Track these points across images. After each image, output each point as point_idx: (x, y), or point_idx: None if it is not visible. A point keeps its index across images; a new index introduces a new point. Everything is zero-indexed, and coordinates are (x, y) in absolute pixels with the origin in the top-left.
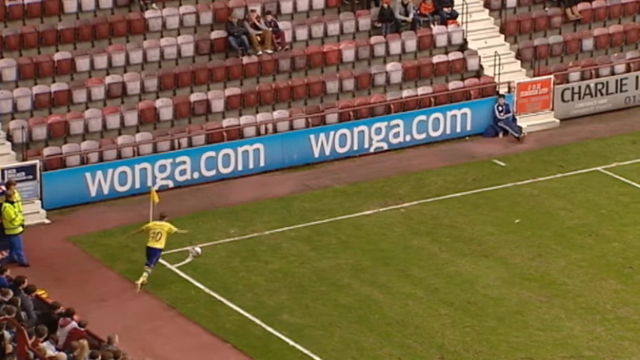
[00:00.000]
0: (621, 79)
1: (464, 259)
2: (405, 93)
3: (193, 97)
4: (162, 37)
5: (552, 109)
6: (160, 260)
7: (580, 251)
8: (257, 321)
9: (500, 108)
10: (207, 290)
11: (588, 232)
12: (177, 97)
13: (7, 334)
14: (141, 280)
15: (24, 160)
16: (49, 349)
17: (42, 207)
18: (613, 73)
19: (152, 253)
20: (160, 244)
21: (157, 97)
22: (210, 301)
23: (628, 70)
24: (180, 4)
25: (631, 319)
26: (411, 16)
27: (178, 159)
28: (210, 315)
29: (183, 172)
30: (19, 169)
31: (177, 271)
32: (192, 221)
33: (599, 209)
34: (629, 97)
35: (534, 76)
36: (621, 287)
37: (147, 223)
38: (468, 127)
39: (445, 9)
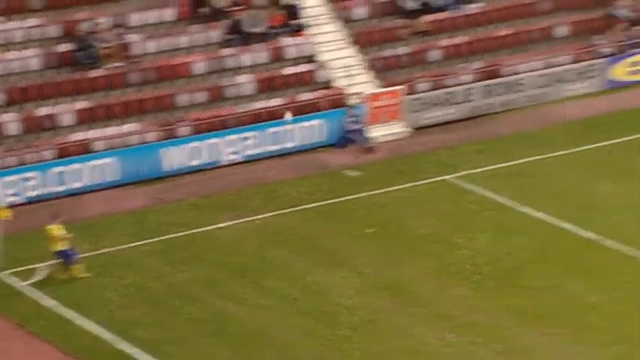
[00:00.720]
0: (468, 89)
1: (319, 269)
2: (258, 105)
3: (41, 112)
4: (8, 50)
5: (402, 120)
6: (8, 278)
7: (431, 259)
8: (111, 337)
9: (350, 119)
10: (59, 307)
11: (439, 241)
12: (25, 112)
13: None
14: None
15: None
16: None
17: None
18: (460, 84)
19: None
20: (56, 247)
21: (4, 112)
22: (62, 319)
23: (474, 80)
24: (26, 17)
25: (481, 324)
26: (262, 28)
27: (27, 174)
28: (62, 332)
29: (32, 188)
30: None
31: (28, 289)
32: (43, 237)
33: (449, 217)
34: (476, 107)
35: (385, 86)
36: (471, 293)
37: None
38: (320, 138)
39: (294, 21)
